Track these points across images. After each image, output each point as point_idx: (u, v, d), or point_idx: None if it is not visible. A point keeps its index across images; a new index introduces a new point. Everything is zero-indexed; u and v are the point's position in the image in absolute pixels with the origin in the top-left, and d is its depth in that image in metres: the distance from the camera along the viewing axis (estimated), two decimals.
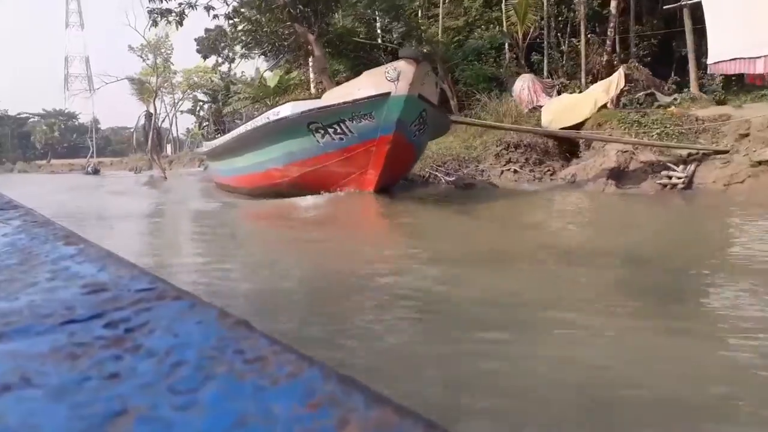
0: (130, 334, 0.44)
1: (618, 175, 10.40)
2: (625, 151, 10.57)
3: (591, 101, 13.25)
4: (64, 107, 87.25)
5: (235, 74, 51.20)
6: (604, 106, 13.29)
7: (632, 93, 13.87)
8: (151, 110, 43.96)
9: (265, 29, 16.05)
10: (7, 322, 0.48)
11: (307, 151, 10.25)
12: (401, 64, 9.25)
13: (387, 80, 9.29)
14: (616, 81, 13.50)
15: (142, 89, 38.61)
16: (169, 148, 59.10)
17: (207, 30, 59.98)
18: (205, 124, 49.31)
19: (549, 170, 12.66)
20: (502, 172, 13.13)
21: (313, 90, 23.50)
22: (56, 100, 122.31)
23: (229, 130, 55.00)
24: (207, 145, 18.21)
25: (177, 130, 46.03)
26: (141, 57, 50.44)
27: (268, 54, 18.57)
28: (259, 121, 11.19)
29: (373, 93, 9.28)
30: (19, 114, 78.36)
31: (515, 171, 13.02)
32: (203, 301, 0.50)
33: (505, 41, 18.58)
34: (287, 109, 10.34)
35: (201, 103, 48.97)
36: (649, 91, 13.78)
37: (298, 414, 0.33)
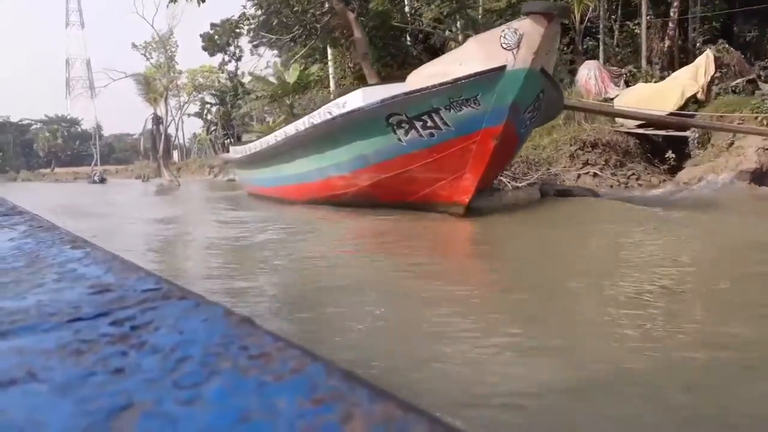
0: (136, 331, 0.45)
1: (760, 177, 8.28)
2: None
3: (677, 91, 11.22)
4: (66, 112, 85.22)
5: (243, 73, 48.93)
6: (693, 96, 11.13)
7: (725, 80, 11.71)
8: (160, 113, 41.61)
9: (295, 8, 13.73)
10: (14, 320, 0.49)
11: (384, 153, 8.12)
12: (525, 24, 6.86)
13: (502, 48, 6.94)
14: (704, 66, 11.42)
15: (149, 89, 36.42)
16: (175, 155, 57.08)
17: (213, 25, 57.60)
18: (213, 129, 47.17)
19: (633, 174, 10.58)
20: (579, 175, 11.12)
21: (332, 87, 20.99)
22: (58, 105, 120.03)
23: (239, 135, 52.71)
24: (237, 150, 15.60)
25: (183, 135, 43.77)
26: (145, 55, 48.04)
27: (297, 40, 16.30)
28: (317, 117, 9.03)
29: (482, 68, 7.01)
30: (21, 120, 77.95)
31: (595, 175, 10.96)
32: (208, 300, 0.51)
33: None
34: (357, 99, 8.15)
35: (209, 106, 46.79)
36: (750, 77, 11.63)
37: (302, 409, 0.33)
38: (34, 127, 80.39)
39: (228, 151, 51.52)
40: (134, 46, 32.93)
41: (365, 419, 0.31)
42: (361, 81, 18.55)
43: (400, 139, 7.78)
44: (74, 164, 72.72)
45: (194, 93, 50.70)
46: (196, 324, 0.46)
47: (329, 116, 8.47)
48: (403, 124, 7.67)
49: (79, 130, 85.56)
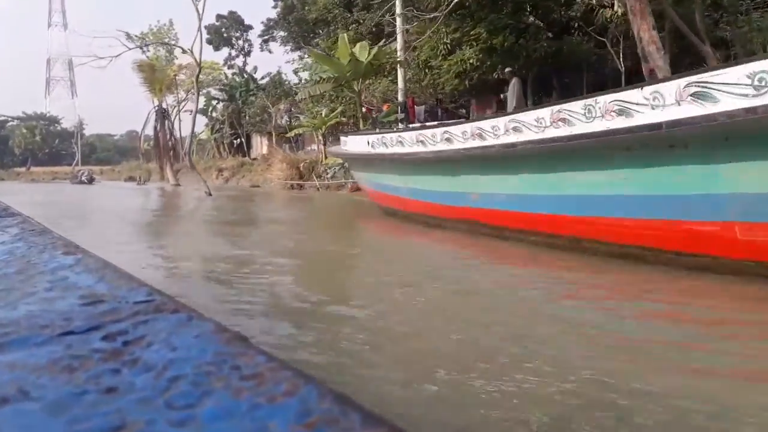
0: (128, 347, 0.46)
1: None
2: None
3: None
4: (45, 111, 79.90)
5: (255, 68, 44.18)
6: None
7: None
8: (165, 106, 36.59)
9: None
10: (5, 333, 0.49)
11: None
12: None
13: None
14: None
15: (154, 78, 31.59)
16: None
17: (219, 16, 52.75)
18: (219, 128, 42.21)
19: None
20: None
21: (400, 76, 18.34)
22: (37, 105, 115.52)
23: (247, 134, 46.55)
24: (355, 144, 12.39)
25: (181, 134, 39.12)
26: (141, 48, 43.12)
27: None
28: (625, 97, 5.93)
29: None
30: None
31: None
32: (201, 314, 0.51)
33: None
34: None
35: (216, 102, 41.91)
36: None
37: None
38: (10, 123, 76.30)
39: (244, 153, 45.55)
40: (129, 36, 28.12)
41: None
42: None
43: None
44: (52, 164, 70.79)
45: (192, 90, 45.46)
46: (189, 340, 0.46)
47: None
48: None
49: (58, 128, 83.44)
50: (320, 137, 24.67)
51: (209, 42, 48.44)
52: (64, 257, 0.74)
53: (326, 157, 22.38)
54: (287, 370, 0.40)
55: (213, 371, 0.41)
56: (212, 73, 53.07)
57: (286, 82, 40.89)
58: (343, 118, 23.85)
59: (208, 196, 21.35)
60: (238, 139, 41.94)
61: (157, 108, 35.75)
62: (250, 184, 27.42)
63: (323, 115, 23.81)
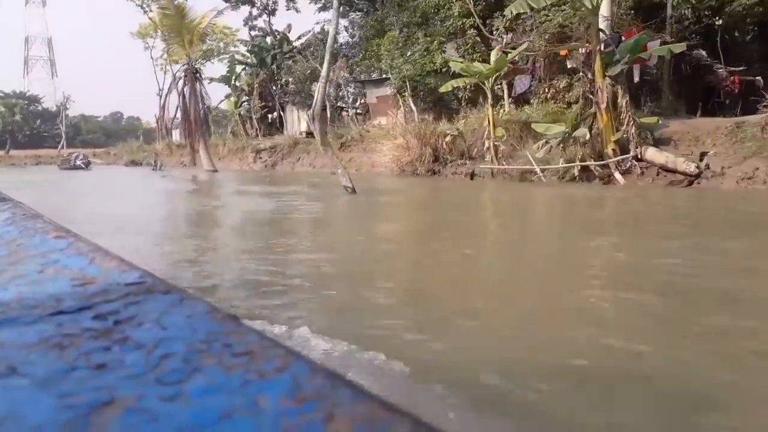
0: (119, 326, 0.47)
1: None
2: None
3: None
4: (25, 90, 72.33)
5: (289, 27, 36.15)
6: None
7: None
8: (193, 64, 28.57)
9: None
10: None
11: None
12: None
13: None
14: None
15: (182, 26, 23.69)
16: (175, 134, 44.07)
17: None
18: (245, 100, 34.28)
19: None
20: None
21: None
22: (15, 85, 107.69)
23: (282, 106, 37.28)
24: None
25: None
26: (141, 6, 35.71)
27: None
28: None
29: None
30: None
31: None
32: (193, 295, 0.52)
33: None
34: None
35: (243, 69, 33.91)
36: None
37: (285, 407, 0.34)
38: None
39: (262, 133, 36.46)
40: None
41: (348, 419, 0.32)
42: None
43: None
44: (34, 146, 64.45)
45: (200, 58, 37.37)
46: (179, 320, 0.47)
47: None
48: None
49: (39, 108, 77.33)
50: (489, 92, 17.15)
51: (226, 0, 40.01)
52: (55, 241, 0.74)
53: (494, 127, 14.95)
54: (279, 347, 0.41)
55: (204, 349, 0.41)
56: (224, 39, 44.34)
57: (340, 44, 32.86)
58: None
59: (351, 193, 13.42)
60: (273, 114, 34.00)
61: (186, 66, 27.54)
62: (329, 171, 19.79)
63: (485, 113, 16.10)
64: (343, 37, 35.42)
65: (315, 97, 13.97)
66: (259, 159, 29.51)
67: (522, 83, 20.69)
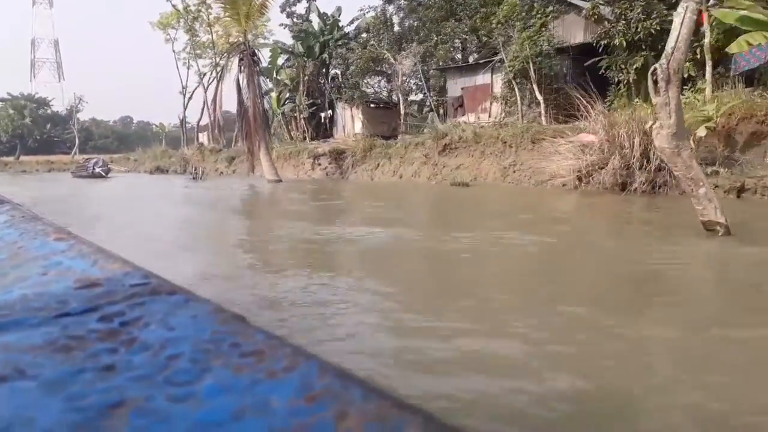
0: (125, 327, 0.47)
1: None
2: None
3: None
4: (32, 93, 74.39)
5: (339, 9, 31.05)
6: None
7: None
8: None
9: None
10: (0, 315, 0.53)
11: None
12: None
13: None
14: None
15: (238, 1, 18.89)
16: (203, 137, 39.50)
17: None
18: (287, 97, 29.31)
19: None
20: None
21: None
22: (23, 88, 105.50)
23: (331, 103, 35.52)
24: None
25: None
26: None
27: None
28: None
29: None
30: None
31: None
32: (198, 296, 0.52)
33: None
34: None
35: (285, 59, 28.95)
36: None
37: (295, 407, 0.35)
38: None
39: (310, 135, 31.23)
40: None
41: (359, 417, 0.32)
42: None
43: None
44: (45, 152, 61.14)
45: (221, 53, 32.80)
46: (186, 320, 0.47)
47: None
48: None
49: (49, 112, 72.82)
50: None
51: None
52: (56, 243, 0.72)
53: None
54: (287, 346, 0.41)
55: (212, 349, 0.42)
56: (255, 31, 38.98)
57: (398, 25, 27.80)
58: None
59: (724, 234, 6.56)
60: (323, 113, 28.87)
61: (243, 47, 22.34)
62: (438, 182, 14.48)
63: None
64: (399, 21, 30.43)
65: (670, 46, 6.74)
66: (317, 165, 24.48)
67: (757, 54, 14.32)
